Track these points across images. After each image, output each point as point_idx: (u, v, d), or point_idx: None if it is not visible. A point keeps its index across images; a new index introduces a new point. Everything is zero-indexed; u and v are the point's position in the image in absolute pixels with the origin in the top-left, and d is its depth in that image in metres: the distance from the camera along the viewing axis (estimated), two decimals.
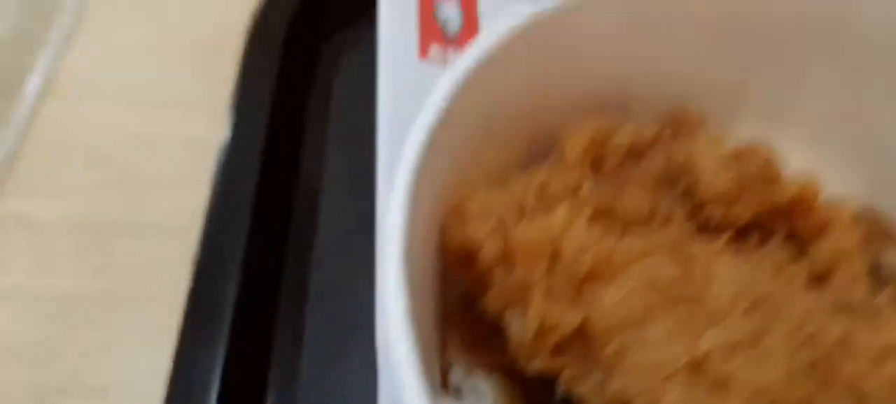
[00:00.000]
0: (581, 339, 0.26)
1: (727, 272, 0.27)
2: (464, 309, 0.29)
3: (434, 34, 0.40)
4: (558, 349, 0.26)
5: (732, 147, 0.29)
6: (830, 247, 0.30)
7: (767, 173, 0.30)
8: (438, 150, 0.25)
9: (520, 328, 0.26)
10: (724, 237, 0.29)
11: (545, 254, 0.26)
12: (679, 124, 0.31)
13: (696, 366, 0.25)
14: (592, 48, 0.31)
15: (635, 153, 0.30)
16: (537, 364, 0.26)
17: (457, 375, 0.29)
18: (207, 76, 0.50)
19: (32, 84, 0.49)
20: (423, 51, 0.39)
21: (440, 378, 0.30)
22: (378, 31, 0.49)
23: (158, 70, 0.52)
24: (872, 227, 0.35)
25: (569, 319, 0.25)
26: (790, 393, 0.24)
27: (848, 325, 0.26)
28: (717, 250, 0.28)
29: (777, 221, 0.31)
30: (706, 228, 0.29)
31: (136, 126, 0.49)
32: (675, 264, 0.27)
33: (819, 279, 0.30)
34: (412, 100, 0.27)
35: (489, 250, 0.26)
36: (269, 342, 0.40)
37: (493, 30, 0.27)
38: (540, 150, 0.31)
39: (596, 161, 0.29)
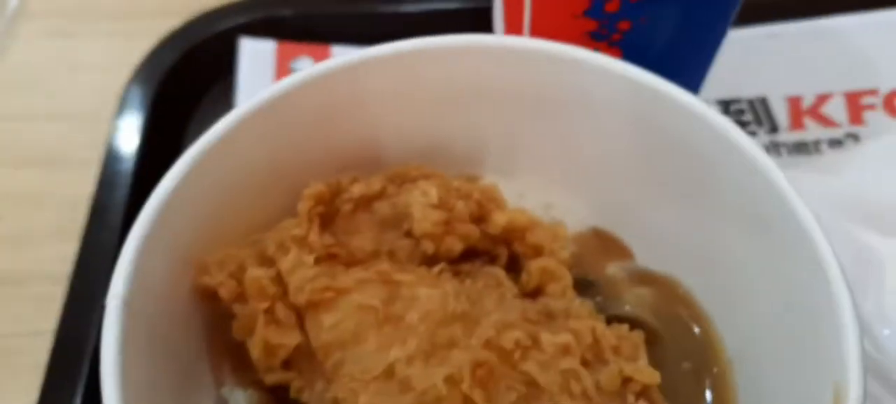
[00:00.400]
0: (306, 357, 0.33)
1: (426, 295, 0.34)
2: (233, 343, 0.36)
3: None
4: (287, 365, 0.33)
5: (439, 195, 0.36)
6: (540, 266, 0.37)
7: (479, 212, 0.38)
8: (175, 219, 0.32)
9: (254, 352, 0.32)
10: (439, 266, 0.36)
11: (268, 291, 0.32)
12: (403, 178, 0.38)
13: (389, 373, 0.31)
14: (338, 116, 0.38)
15: (364, 204, 0.37)
16: (272, 377, 0.33)
17: (226, 391, 0.35)
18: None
19: None
20: None
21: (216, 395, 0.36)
22: (237, 86, 0.55)
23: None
24: (601, 243, 0.43)
25: (288, 341, 0.32)
26: (458, 387, 0.30)
27: (534, 330, 0.34)
28: (422, 277, 0.34)
29: (498, 248, 0.39)
30: (427, 261, 0.36)
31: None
32: (385, 291, 0.33)
33: (534, 293, 0.37)
34: None
35: (225, 290, 0.33)
36: None
37: (233, 113, 0.34)
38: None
39: (329, 213, 0.36)
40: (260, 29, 0.59)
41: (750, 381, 0.35)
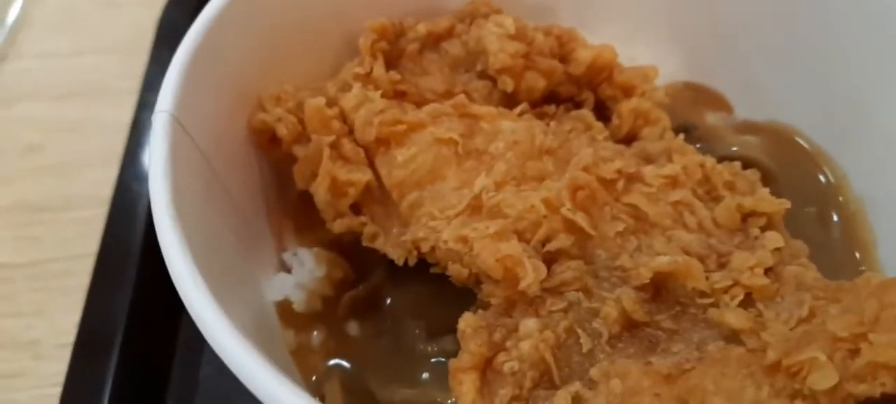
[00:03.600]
0: (378, 199, 0.29)
1: (510, 128, 0.29)
2: (296, 200, 0.32)
3: None
4: (357, 208, 0.29)
5: (517, 26, 0.32)
6: (632, 107, 0.33)
7: (560, 49, 0.33)
8: (229, 42, 0.28)
9: (320, 193, 0.28)
10: (521, 106, 0.31)
11: (333, 124, 0.28)
12: (473, 15, 0.33)
13: (476, 205, 0.27)
14: None
15: (432, 43, 0.32)
16: (341, 224, 0.29)
17: (288, 255, 0.31)
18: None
19: None
20: None
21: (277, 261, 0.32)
22: None
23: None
24: (696, 95, 0.38)
25: (357, 177, 0.28)
26: (558, 211, 0.26)
27: (638, 163, 0.29)
28: (503, 112, 0.30)
29: (583, 92, 0.34)
30: (506, 102, 0.32)
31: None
32: (463, 125, 0.29)
33: (627, 138, 0.33)
34: None
35: (284, 127, 0.29)
36: None
37: None
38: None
39: (394, 53, 0.32)
40: None
41: (885, 214, 0.31)
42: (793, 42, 0.33)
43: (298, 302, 0.30)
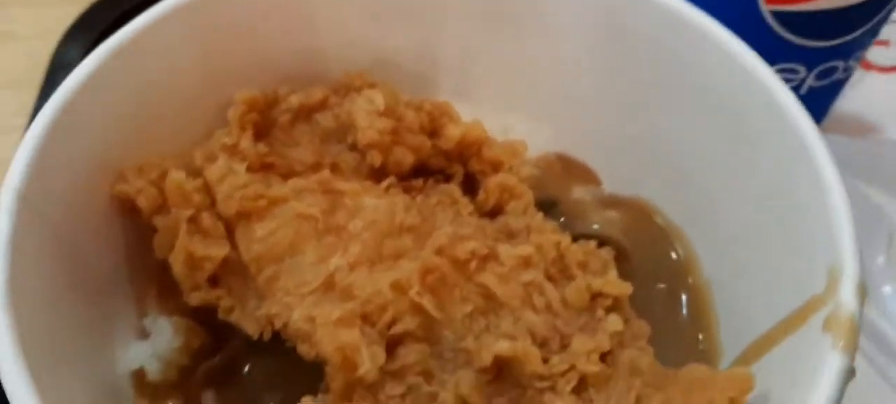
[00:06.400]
0: (236, 272, 0.30)
1: (372, 204, 0.30)
2: (159, 266, 0.32)
3: None
4: (214, 282, 0.29)
5: (387, 102, 0.33)
6: (499, 182, 0.34)
7: (431, 124, 0.34)
8: (89, 113, 0.28)
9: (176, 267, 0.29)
10: (388, 180, 0.32)
11: (193, 198, 0.29)
12: (347, 87, 0.34)
13: (329, 284, 0.28)
14: (274, 19, 0.34)
15: (304, 114, 0.33)
16: (197, 296, 0.29)
17: (148, 321, 0.31)
18: None
19: None
20: None
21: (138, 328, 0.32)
22: None
23: None
24: (566, 167, 0.40)
25: (215, 252, 0.28)
26: (406, 294, 0.27)
27: (492, 244, 0.30)
28: (368, 187, 0.31)
29: (452, 165, 0.35)
30: (374, 175, 0.33)
31: None
32: (325, 200, 0.30)
33: (492, 212, 0.34)
34: None
35: (145, 199, 0.29)
36: None
37: (158, 6, 0.31)
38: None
39: (265, 124, 0.33)
40: None
41: (728, 297, 0.32)
42: (651, 124, 0.35)
43: (153, 371, 0.30)
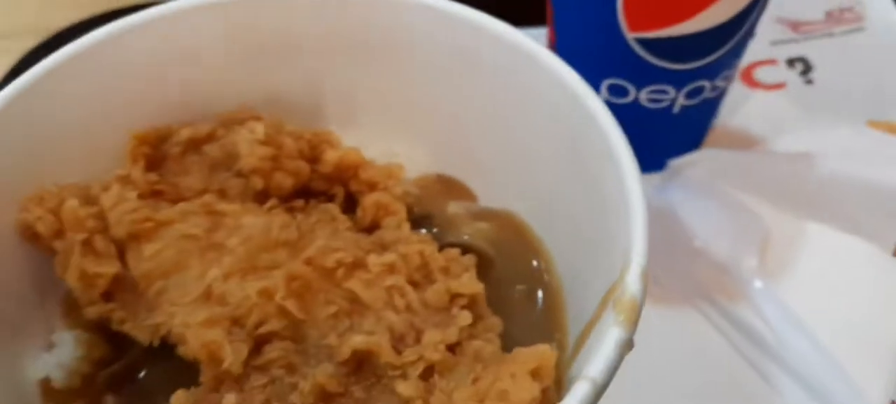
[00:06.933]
0: (128, 288, 0.33)
1: (250, 222, 0.34)
2: (63, 288, 0.36)
3: None
4: (108, 296, 0.33)
5: (267, 132, 0.37)
6: (375, 200, 0.38)
7: (311, 151, 0.38)
8: None
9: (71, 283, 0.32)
10: (270, 202, 0.36)
11: (86, 223, 0.33)
12: (233, 121, 0.38)
13: (207, 294, 0.32)
14: (168, 63, 0.39)
15: (193, 146, 0.37)
16: (93, 310, 0.33)
17: (55, 336, 0.35)
18: None
19: None
20: None
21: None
22: None
23: None
24: (445, 186, 0.44)
25: (106, 269, 0.32)
26: (272, 298, 0.31)
27: (362, 255, 0.34)
28: (249, 209, 0.35)
29: (334, 187, 0.40)
30: (258, 198, 0.37)
31: None
32: (208, 221, 0.34)
33: (370, 228, 0.38)
34: None
35: (43, 225, 0.33)
36: None
37: (58, 52, 0.35)
38: None
39: (157, 156, 0.37)
40: None
41: (574, 294, 0.37)
42: (509, 141, 0.40)
43: (58, 379, 0.33)
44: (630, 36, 0.43)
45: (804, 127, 0.54)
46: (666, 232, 0.48)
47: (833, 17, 0.61)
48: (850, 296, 0.45)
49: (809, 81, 0.58)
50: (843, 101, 0.56)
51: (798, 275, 0.46)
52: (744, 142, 0.56)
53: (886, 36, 0.60)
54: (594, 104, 0.33)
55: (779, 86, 0.58)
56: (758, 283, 0.45)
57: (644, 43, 0.43)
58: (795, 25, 0.61)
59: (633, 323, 0.27)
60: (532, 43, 0.36)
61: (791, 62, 0.59)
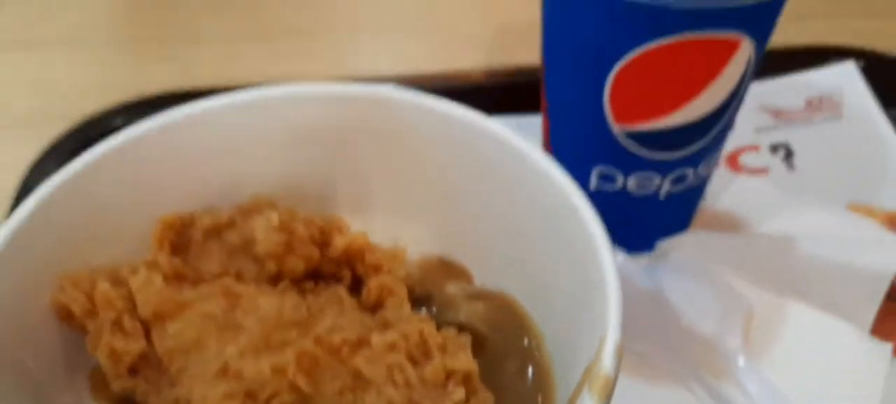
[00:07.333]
0: (153, 365, 0.37)
1: (265, 302, 0.38)
2: (94, 364, 0.39)
3: None
4: (134, 371, 0.36)
5: (281, 219, 0.40)
6: (379, 282, 0.42)
7: (321, 236, 0.42)
8: (33, 242, 0.36)
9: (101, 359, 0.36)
10: (283, 283, 0.40)
11: (116, 304, 0.36)
12: (251, 209, 0.42)
13: (224, 370, 0.35)
14: (195, 159, 0.43)
15: (214, 233, 0.41)
16: (119, 384, 0.36)
17: None
18: None
19: None
20: None
21: None
22: None
23: None
24: (445, 267, 0.47)
25: (133, 347, 0.36)
26: (284, 375, 0.34)
27: (367, 334, 0.37)
28: (264, 290, 0.38)
29: (342, 270, 0.43)
30: (272, 280, 0.40)
31: None
32: (226, 302, 0.37)
33: (374, 308, 0.42)
34: None
35: (78, 306, 0.36)
36: None
37: (91, 151, 0.39)
38: None
39: (182, 242, 0.40)
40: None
41: (561, 364, 0.40)
42: (502, 228, 0.43)
43: None
44: (616, 128, 0.47)
45: (786, 210, 0.57)
46: (655, 311, 0.51)
47: (812, 105, 0.65)
48: (830, 372, 0.48)
49: (791, 167, 0.61)
50: (823, 186, 0.59)
51: (780, 352, 0.49)
52: (729, 223, 0.59)
53: (862, 124, 0.63)
54: (577, 199, 0.37)
55: (762, 170, 0.62)
56: (741, 361, 0.48)
57: (629, 135, 0.47)
58: (777, 113, 0.64)
59: (606, 396, 0.30)
60: (523, 141, 0.40)
61: (774, 148, 0.62)
